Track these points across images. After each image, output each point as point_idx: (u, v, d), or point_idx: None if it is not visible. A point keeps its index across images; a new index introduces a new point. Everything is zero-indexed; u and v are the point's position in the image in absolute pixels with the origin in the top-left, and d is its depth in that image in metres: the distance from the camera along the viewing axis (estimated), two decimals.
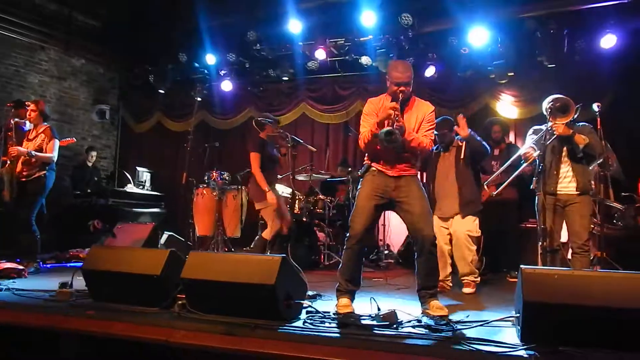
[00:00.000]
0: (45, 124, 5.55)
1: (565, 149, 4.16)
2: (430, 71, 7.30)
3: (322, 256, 6.61)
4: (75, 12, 8.53)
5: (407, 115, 3.59)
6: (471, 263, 4.71)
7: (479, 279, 4.78)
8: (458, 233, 4.73)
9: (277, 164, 5.61)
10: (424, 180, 5.08)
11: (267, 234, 5.43)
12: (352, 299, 3.57)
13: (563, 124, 3.99)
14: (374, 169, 3.64)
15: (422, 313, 3.42)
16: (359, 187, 3.72)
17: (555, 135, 4.04)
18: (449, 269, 4.86)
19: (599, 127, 3.81)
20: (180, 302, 3.25)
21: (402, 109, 3.54)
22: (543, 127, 4.12)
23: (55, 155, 5.45)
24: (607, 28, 6.22)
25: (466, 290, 4.70)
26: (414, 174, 3.66)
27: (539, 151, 4.09)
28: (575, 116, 4.07)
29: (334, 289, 4.03)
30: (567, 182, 4.15)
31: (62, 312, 3.26)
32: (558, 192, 4.16)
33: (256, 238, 5.83)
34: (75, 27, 8.70)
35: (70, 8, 8.41)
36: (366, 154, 3.74)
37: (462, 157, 4.74)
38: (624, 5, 5.99)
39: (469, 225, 4.71)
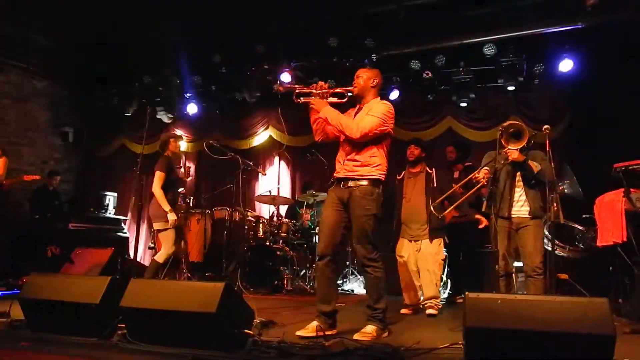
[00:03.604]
0: None
1: (518, 174, 4.20)
2: (394, 94, 7.34)
3: (285, 281, 6.49)
4: (35, 33, 8.40)
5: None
6: (435, 286, 4.89)
7: (440, 304, 4.94)
8: (425, 256, 4.90)
9: (180, 184, 5.51)
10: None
11: (160, 256, 5.25)
12: (326, 320, 3.53)
13: (516, 149, 4.01)
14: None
15: None
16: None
17: (508, 160, 4.07)
18: (421, 292, 5.01)
19: (547, 149, 3.84)
20: (120, 332, 3.11)
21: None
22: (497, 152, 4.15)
23: (2, 174, 5.29)
24: (563, 52, 6.36)
25: (430, 312, 4.81)
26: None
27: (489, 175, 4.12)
28: (531, 143, 4.13)
29: (293, 315, 4.03)
30: (519, 206, 4.18)
31: None
32: (512, 216, 4.18)
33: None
34: (37, 48, 8.56)
35: (28, 30, 8.27)
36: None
37: (434, 184, 4.92)
38: (578, 30, 6.13)
39: (435, 249, 4.91)
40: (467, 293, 2.58)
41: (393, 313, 4.97)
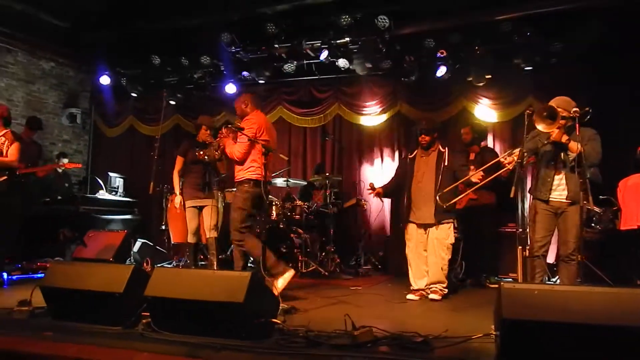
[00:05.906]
0: (8, 128, 5.34)
1: (560, 155, 3.99)
2: (408, 75, 7.19)
3: (300, 263, 6.46)
4: (43, 13, 8.23)
5: None
6: (441, 270, 4.79)
7: (445, 290, 4.81)
8: (433, 240, 4.81)
9: (204, 166, 5.38)
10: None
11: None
12: None
13: (556, 130, 3.83)
14: None
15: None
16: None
17: (549, 142, 3.92)
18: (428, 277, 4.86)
19: (577, 133, 3.70)
20: (144, 320, 3.09)
21: None
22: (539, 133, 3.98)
23: (16, 159, 5.22)
24: (579, 30, 6.18)
25: (432, 296, 4.75)
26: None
27: (520, 159, 3.94)
28: (585, 119, 3.94)
29: (313, 299, 4.18)
30: (560, 190, 3.98)
31: (18, 333, 3.07)
32: (550, 200, 4.00)
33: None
34: (44, 28, 8.39)
35: (37, 9, 8.10)
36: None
37: (445, 164, 4.77)
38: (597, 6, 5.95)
39: (443, 233, 4.80)
40: (502, 283, 2.53)
41: (400, 297, 4.92)
